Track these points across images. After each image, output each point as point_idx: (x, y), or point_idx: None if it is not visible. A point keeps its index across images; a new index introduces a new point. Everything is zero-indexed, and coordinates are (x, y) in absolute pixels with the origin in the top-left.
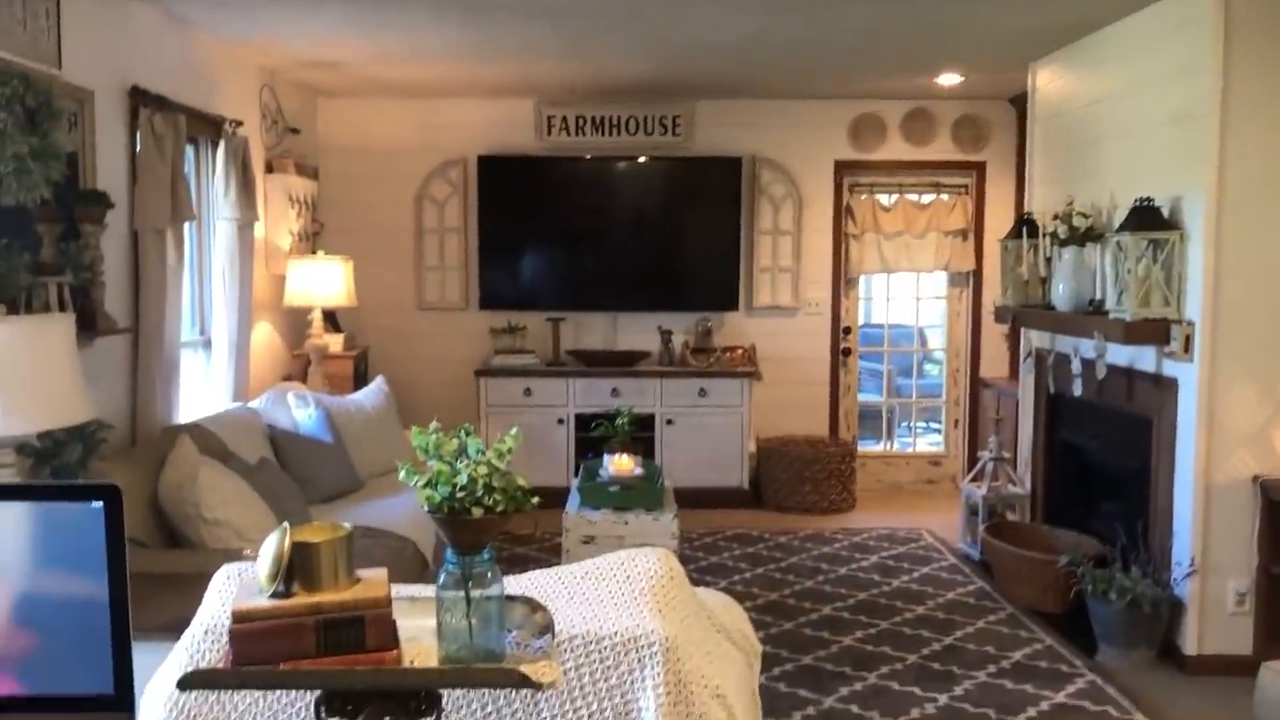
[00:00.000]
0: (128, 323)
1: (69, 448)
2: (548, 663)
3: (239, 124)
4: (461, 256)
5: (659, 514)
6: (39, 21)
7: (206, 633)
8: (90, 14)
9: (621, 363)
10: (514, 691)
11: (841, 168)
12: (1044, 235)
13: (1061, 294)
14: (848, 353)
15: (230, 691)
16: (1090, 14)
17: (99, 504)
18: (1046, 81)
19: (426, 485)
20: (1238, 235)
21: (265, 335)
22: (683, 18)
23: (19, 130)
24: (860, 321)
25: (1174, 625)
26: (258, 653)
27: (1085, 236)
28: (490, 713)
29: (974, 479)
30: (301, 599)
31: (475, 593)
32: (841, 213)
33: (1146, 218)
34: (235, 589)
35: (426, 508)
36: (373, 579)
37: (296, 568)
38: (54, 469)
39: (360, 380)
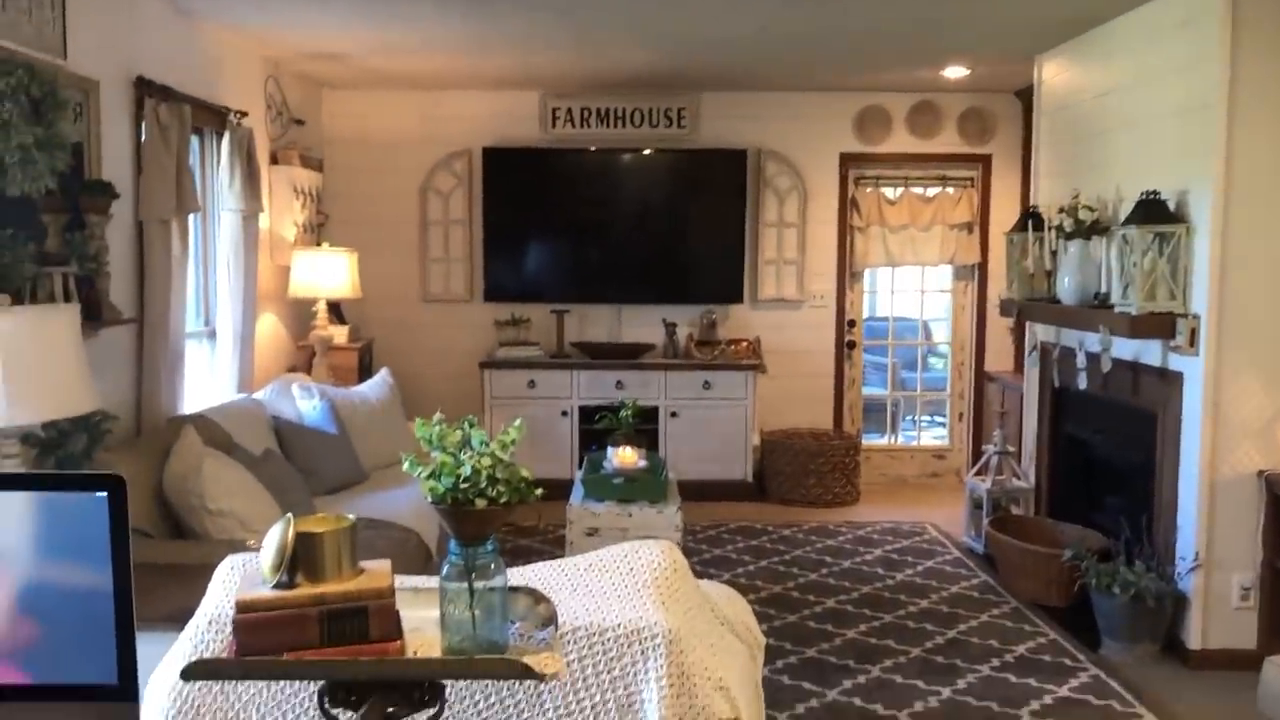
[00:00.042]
0: (133, 313)
1: (74, 438)
2: (551, 654)
3: (244, 115)
4: (466, 248)
5: (663, 506)
6: (44, 11)
7: (210, 623)
8: (95, 4)
9: (626, 355)
10: (517, 683)
11: (847, 160)
12: (1049, 228)
13: (1067, 287)
14: (852, 346)
15: (234, 682)
16: (1097, 7)
17: (103, 494)
18: (1053, 74)
19: (430, 477)
20: (1244, 228)
21: (270, 327)
22: (688, 9)
23: (24, 120)
24: (865, 314)
25: (1178, 619)
26: (261, 643)
27: (1091, 230)
28: (493, 704)
29: (978, 473)
30: (305, 590)
31: (479, 584)
32: (847, 205)
33: (1152, 211)
34: (239, 579)
35: (430, 499)
36: (376, 570)
37: (300, 558)
38: (59, 459)
39: (365, 372)
